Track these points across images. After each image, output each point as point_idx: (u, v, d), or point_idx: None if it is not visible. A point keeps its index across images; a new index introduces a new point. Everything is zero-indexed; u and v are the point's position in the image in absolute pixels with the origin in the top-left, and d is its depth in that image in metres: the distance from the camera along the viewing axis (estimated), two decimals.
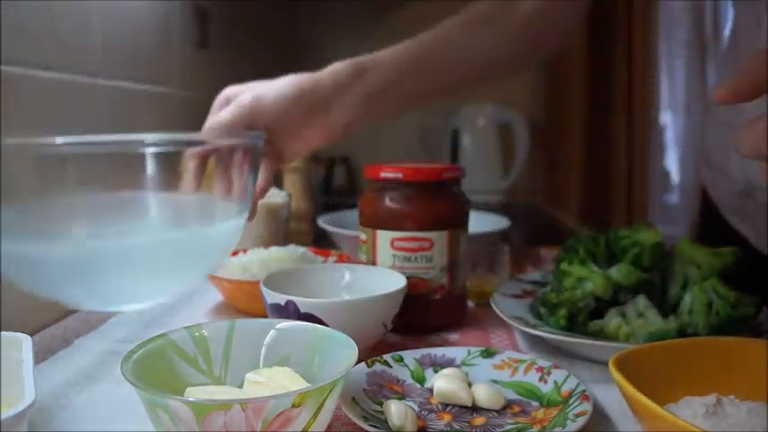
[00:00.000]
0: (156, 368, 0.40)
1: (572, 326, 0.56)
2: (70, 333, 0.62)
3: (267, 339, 0.45)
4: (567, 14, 0.74)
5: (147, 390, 0.34)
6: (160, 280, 0.42)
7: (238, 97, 0.61)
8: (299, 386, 0.39)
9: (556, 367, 0.49)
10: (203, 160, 0.53)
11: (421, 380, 0.50)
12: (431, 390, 0.48)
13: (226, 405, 0.33)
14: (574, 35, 0.77)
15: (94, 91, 0.86)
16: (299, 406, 0.34)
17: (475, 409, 0.46)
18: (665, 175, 2.17)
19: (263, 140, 0.52)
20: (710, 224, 0.87)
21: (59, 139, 0.41)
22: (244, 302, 0.68)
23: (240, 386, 0.41)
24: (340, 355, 0.41)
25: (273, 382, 0.39)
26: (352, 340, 0.42)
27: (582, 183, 2.01)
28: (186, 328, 0.44)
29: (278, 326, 0.45)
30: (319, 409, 0.35)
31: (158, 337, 0.42)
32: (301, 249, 0.72)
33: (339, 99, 0.63)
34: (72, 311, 0.68)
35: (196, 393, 0.39)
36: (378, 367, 0.49)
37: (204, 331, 0.44)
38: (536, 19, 0.71)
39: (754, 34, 0.74)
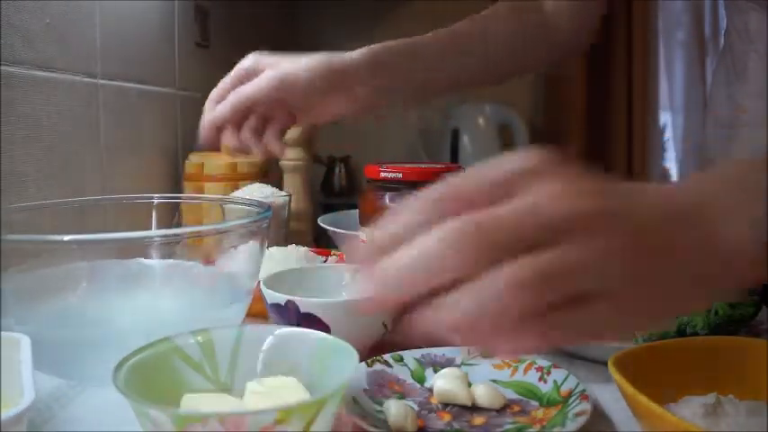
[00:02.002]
0: (156, 373, 0.40)
1: None
2: None
3: (276, 347, 0.44)
4: (583, 17, 0.75)
5: (131, 397, 0.34)
6: None
7: (266, 72, 0.61)
8: (298, 399, 0.38)
9: (555, 367, 0.49)
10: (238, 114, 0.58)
11: (421, 380, 0.50)
12: (431, 389, 0.48)
13: (204, 418, 0.32)
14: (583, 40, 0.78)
15: (94, 91, 0.86)
16: (282, 422, 0.33)
17: (475, 408, 0.46)
18: (665, 175, 2.17)
19: (270, 218, 0.54)
20: None
21: (67, 237, 0.43)
22: None
23: None
24: (343, 365, 0.40)
25: (274, 393, 0.39)
26: (354, 350, 0.40)
27: None
28: (192, 332, 0.43)
29: (287, 333, 0.44)
30: (309, 424, 0.34)
31: (162, 341, 0.42)
32: (301, 249, 0.72)
33: (361, 87, 0.64)
34: None
35: (191, 401, 0.38)
36: (378, 367, 0.49)
37: (211, 336, 0.43)
38: (553, 21, 0.73)
39: (744, 37, 0.75)
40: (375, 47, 0.67)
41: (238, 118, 0.61)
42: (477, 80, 0.76)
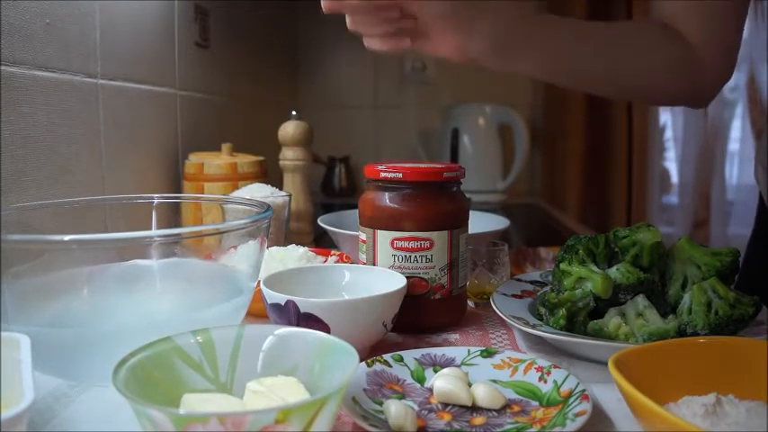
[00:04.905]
0: (156, 373, 0.40)
1: (572, 326, 0.56)
2: None
3: (276, 347, 0.44)
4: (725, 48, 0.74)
5: (131, 397, 0.34)
6: None
7: None
8: (298, 399, 0.38)
9: (555, 367, 0.49)
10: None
11: (421, 380, 0.50)
12: (431, 389, 0.48)
13: (204, 418, 0.32)
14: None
15: (94, 91, 0.86)
16: (282, 422, 0.33)
17: (475, 408, 0.46)
18: (665, 175, 2.17)
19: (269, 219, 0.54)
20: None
21: (67, 237, 0.43)
22: None
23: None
24: (343, 365, 0.40)
25: (274, 393, 0.39)
26: (354, 350, 0.40)
27: (582, 183, 2.01)
28: (192, 332, 0.43)
29: (287, 333, 0.44)
30: (309, 424, 0.34)
31: (162, 341, 0.41)
32: (301, 249, 0.72)
33: (482, 36, 0.66)
34: None
35: (191, 401, 0.38)
36: (378, 367, 0.50)
37: (211, 336, 0.43)
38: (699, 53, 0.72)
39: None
40: (517, 5, 0.68)
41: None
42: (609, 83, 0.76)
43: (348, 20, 0.66)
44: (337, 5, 0.62)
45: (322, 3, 0.62)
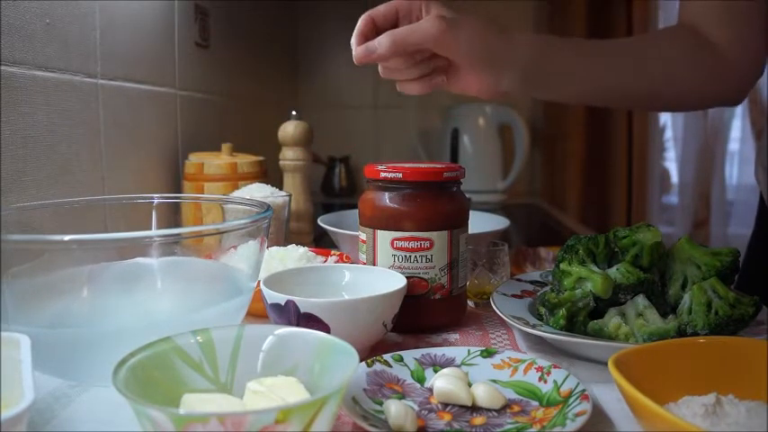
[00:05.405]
0: (156, 373, 0.40)
1: (572, 326, 0.56)
2: None
3: (276, 347, 0.44)
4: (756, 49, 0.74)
5: (130, 397, 0.34)
6: None
7: (433, 18, 0.61)
8: (298, 399, 0.38)
9: (555, 367, 0.49)
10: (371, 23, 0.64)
11: (421, 380, 0.50)
12: (431, 389, 0.48)
13: (204, 418, 0.32)
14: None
15: (94, 91, 0.86)
16: (282, 422, 0.33)
17: (475, 408, 0.46)
18: (665, 175, 2.17)
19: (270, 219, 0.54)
20: None
21: (67, 237, 0.43)
22: None
23: None
24: (343, 365, 0.40)
25: (274, 393, 0.39)
26: (354, 350, 0.40)
27: (582, 183, 2.01)
28: (192, 332, 0.43)
29: (287, 333, 0.44)
30: (309, 424, 0.34)
31: (162, 341, 0.42)
32: (301, 249, 0.72)
33: (512, 71, 0.66)
34: None
35: (191, 401, 0.38)
36: (378, 367, 0.50)
37: (211, 336, 0.43)
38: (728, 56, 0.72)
39: None
40: (540, 36, 0.68)
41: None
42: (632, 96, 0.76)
43: (381, 69, 0.65)
44: (368, 57, 0.61)
45: (353, 56, 0.62)
